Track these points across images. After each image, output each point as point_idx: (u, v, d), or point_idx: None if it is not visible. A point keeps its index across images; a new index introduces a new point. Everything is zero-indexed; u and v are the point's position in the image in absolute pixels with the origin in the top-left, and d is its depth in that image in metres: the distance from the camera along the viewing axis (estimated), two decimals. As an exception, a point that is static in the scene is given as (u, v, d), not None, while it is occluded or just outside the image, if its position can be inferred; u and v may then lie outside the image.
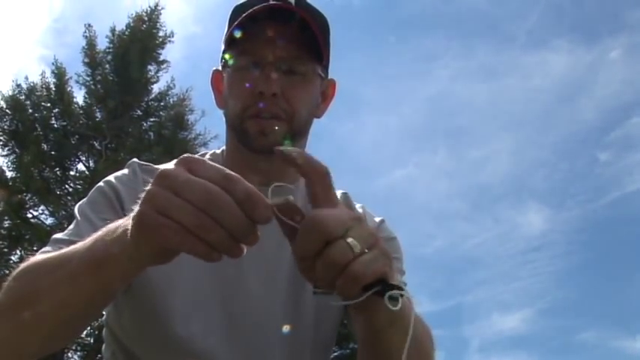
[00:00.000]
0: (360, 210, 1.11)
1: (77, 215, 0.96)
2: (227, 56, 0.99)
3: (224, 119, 1.03)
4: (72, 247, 0.73)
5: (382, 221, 1.12)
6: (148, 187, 0.59)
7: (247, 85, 0.95)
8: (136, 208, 0.60)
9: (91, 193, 1.00)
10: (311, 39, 0.94)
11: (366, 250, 0.61)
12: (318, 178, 0.65)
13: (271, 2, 0.93)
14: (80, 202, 1.00)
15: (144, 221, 0.59)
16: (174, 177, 0.58)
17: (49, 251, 0.87)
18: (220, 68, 1.04)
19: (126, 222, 0.64)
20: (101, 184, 1.00)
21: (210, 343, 0.91)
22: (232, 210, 0.57)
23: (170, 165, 0.61)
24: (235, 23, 0.94)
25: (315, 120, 1.04)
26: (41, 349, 0.78)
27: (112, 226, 0.68)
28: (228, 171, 0.60)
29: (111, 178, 1.00)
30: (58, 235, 0.94)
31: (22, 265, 0.80)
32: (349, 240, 0.60)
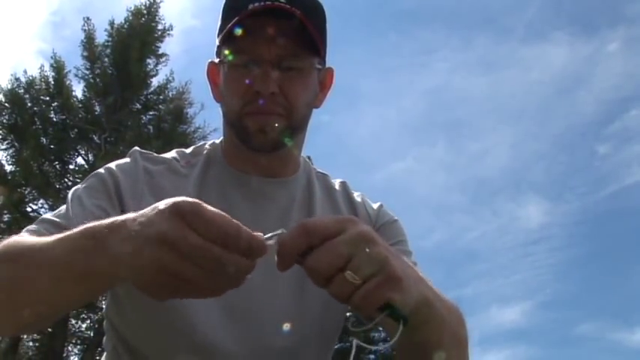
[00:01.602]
0: (359, 199, 1.11)
1: (69, 198, 0.95)
2: (223, 52, 0.98)
3: (221, 112, 1.03)
4: (58, 239, 0.73)
5: (381, 206, 1.12)
6: (152, 251, 0.60)
7: (244, 82, 0.94)
8: (139, 247, 0.61)
9: (89, 177, 1.00)
10: (307, 34, 0.94)
11: (372, 275, 0.62)
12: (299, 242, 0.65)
13: (266, 2, 0.92)
14: (76, 187, 0.99)
15: (154, 281, 0.62)
16: (179, 242, 0.59)
17: (34, 231, 0.87)
18: (216, 61, 1.04)
19: (120, 241, 0.64)
20: (101, 170, 0.99)
21: (212, 335, 0.91)
22: (237, 263, 0.61)
23: (165, 218, 0.61)
24: (233, 22, 0.93)
25: (314, 111, 1.04)
26: (20, 330, 0.81)
27: (102, 233, 0.67)
28: (227, 223, 0.61)
29: (112, 165, 1.00)
30: (47, 216, 0.93)
31: (4, 245, 0.80)
32: (347, 273, 0.61)
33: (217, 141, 1.10)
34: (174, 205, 0.62)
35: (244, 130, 0.96)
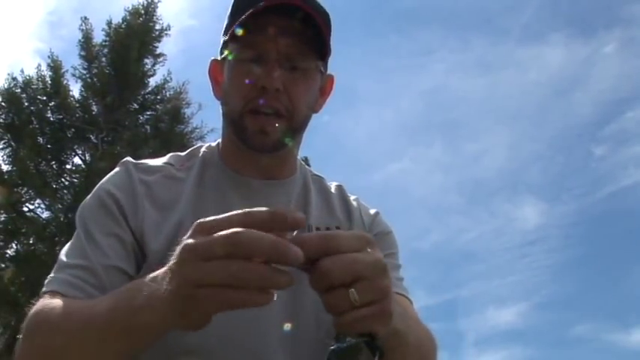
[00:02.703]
0: (355, 203, 1.10)
1: (81, 232, 0.94)
2: (229, 48, 0.98)
3: (221, 111, 1.02)
4: (90, 303, 0.76)
5: (377, 214, 1.11)
6: (177, 260, 0.62)
7: (249, 79, 0.93)
8: (168, 280, 0.63)
9: (90, 203, 0.98)
10: (315, 35, 0.94)
11: (371, 303, 0.63)
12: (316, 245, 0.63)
13: None
14: (81, 212, 0.97)
15: (185, 295, 0.61)
16: (204, 246, 0.60)
17: (63, 281, 0.87)
18: (219, 58, 1.04)
19: (153, 286, 0.66)
20: (100, 193, 0.97)
21: (206, 340, 0.91)
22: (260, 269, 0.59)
23: (188, 237, 0.62)
24: (242, 18, 0.93)
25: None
26: None
27: (136, 285, 0.70)
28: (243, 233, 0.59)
29: (107, 184, 0.98)
30: (65, 259, 0.92)
31: (34, 316, 0.81)
32: (352, 291, 0.61)
33: (213, 144, 1.09)
34: (195, 226, 0.63)
35: (244, 130, 0.96)
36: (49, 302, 0.82)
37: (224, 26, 1.01)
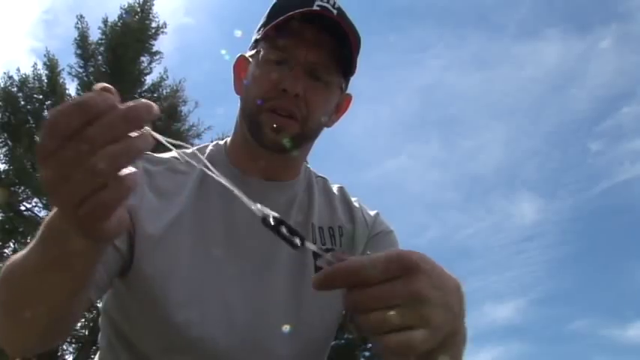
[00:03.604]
0: (357, 204, 1.13)
1: None
2: (259, 46, 0.99)
3: (239, 105, 1.04)
4: (31, 244, 0.70)
5: (377, 214, 1.13)
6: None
7: (272, 79, 0.96)
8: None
9: None
10: (344, 53, 0.97)
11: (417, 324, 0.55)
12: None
13: (315, 7, 0.95)
14: None
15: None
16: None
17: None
18: (247, 54, 1.05)
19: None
20: None
21: (208, 330, 0.93)
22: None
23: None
24: (277, 20, 0.95)
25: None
26: (47, 341, 0.80)
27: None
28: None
29: None
30: None
31: (3, 269, 0.78)
32: (390, 313, 0.54)
33: (221, 142, 1.11)
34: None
35: (259, 126, 0.97)
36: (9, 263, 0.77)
37: (259, 25, 1.03)
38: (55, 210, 0.61)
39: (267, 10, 1.01)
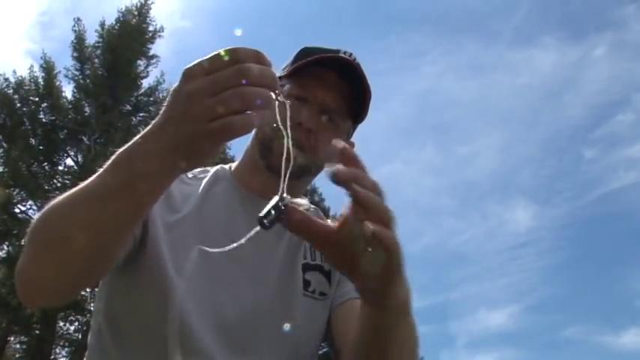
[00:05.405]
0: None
1: None
2: (282, 81, 1.06)
3: (253, 132, 1.09)
4: (85, 182, 0.73)
5: None
6: (177, 105, 0.63)
7: (291, 110, 1.00)
8: (173, 127, 0.63)
9: None
10: (359, 101, 1.07)
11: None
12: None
13: (340, 55, 1.05)
14: None
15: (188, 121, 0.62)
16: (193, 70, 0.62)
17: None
18: None
19: (152, 136, 0.67)
20: None
21: (198, 328, 0.95)
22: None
23: (182, 85, 0.63)
24: (304, 60, 1.04)
25: None
26: (76, 286, 0.82)
27: (129, 146, 0.70)
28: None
29: None
30: None
31: (46, 209, 0.78)
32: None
33: (226, 166, 1.17)
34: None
35: (270, 150, 1.05)
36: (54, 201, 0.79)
37: (287, 63, 1.11)
38: (134, 140, 0.69)
39: (296, 53, 1.10)
